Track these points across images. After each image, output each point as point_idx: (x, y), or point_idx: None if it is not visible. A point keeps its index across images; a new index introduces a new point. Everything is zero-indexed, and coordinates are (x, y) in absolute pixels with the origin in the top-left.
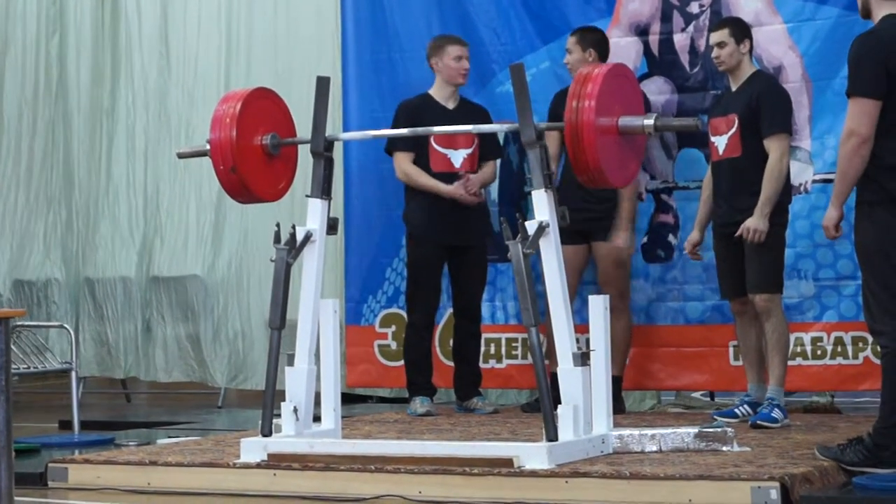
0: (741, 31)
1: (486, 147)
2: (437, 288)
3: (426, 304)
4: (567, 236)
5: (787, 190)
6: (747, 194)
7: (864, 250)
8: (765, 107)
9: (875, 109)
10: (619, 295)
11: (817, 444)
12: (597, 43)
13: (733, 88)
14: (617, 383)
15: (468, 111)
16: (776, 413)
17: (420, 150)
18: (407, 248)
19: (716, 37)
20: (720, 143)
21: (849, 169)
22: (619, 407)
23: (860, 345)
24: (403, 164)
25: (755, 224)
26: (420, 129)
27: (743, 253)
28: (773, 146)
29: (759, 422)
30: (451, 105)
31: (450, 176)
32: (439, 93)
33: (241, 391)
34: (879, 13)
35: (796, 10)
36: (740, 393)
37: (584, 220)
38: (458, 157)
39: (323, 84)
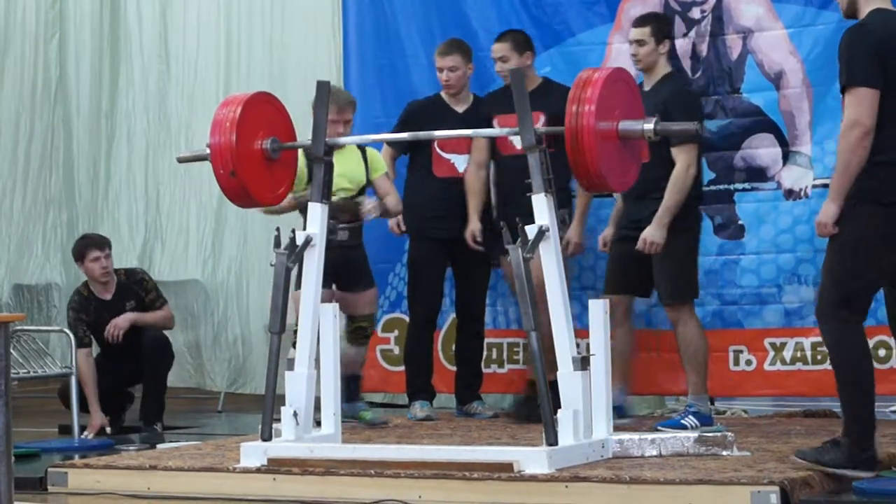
0: (662, 30)
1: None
2: (438, 288)
3: (426, 302)
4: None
5: (698, 194)
6: (651, 200)
7: (840, 243)
8: (674, 115)
9: (875, 98)
10: None
11: (796, 450)
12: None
13: (646, 88)
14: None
15: (479, 113)
16: (687, 420)
17: (423, 154)
18: (409, 246)
19: (636, 34)
20: None
21: (852, 159)
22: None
23: None
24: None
25: (651, 235)
26: (421, 134)
27: (634, 256)
28: (681, 156)
29: (659, 427)
30: (461, 108)
31: (455, 181)
32: (447, 95)
33: (240, 395)
34: (867, 8)
35: (797, 15)
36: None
37: None
38: (463, 161)
39: (323, 88)
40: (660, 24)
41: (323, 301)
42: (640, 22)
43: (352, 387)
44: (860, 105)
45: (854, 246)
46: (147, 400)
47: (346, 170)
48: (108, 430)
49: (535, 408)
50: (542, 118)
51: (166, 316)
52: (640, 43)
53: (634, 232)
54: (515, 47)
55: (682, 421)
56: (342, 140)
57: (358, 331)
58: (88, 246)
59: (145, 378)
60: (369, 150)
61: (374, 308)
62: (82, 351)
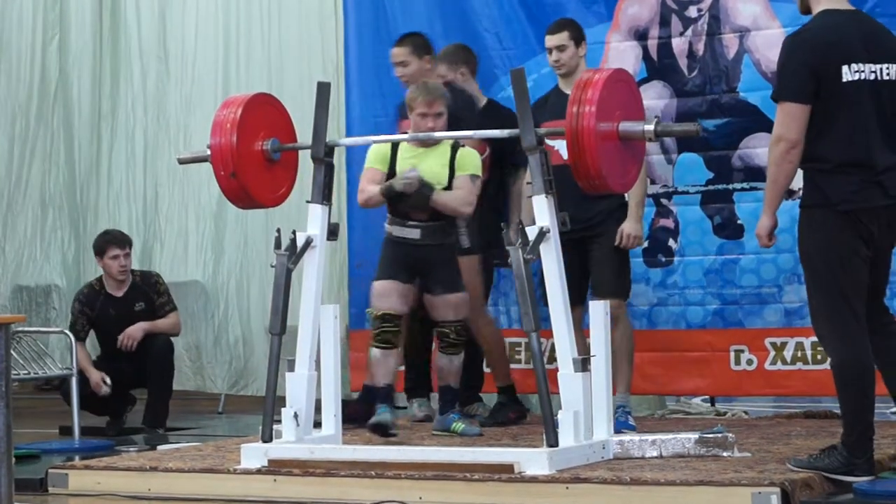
0: (579, 33)
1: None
2: None
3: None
4: None
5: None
6: (599, 198)
7: (805, 255)
8: None
9: (803, 114)
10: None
11: (792, 458)
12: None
13: (567, 91)
14: (510, 392)
15: (491, 116)
16: (632, 420)
17: None
18: None
19: (554, 40)
20: (563, 147)
21: (778, 175)
22: (523, 413)
23: None
24: None
25: (632, 230)
26: (421, 135)
27: (578, 261)
28: None
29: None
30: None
31: None
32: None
33: (241, 397)
34: (817, 7)
35: (794, 14)
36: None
37: None
38: None
39: (323, 89)
40: (576, 28)
41: (402, 295)
42: (556, 28)
43: (444, 399)
44: (786, 120)
45: (821, 251)
46: (152, 406)
47: (430, 169)
48: (108, 381)
49: (513, 410)
50: None
51: (174, 323)
52: (560, 49)
53: (577, 234)
54: (415, 51)
55: (629, 422)
56: (344, 141)
57: (441, 337)
58: (109, 243)
59: (150, 384)
60: (462, 150)
61: (457, 313)
62: (78, 343)
